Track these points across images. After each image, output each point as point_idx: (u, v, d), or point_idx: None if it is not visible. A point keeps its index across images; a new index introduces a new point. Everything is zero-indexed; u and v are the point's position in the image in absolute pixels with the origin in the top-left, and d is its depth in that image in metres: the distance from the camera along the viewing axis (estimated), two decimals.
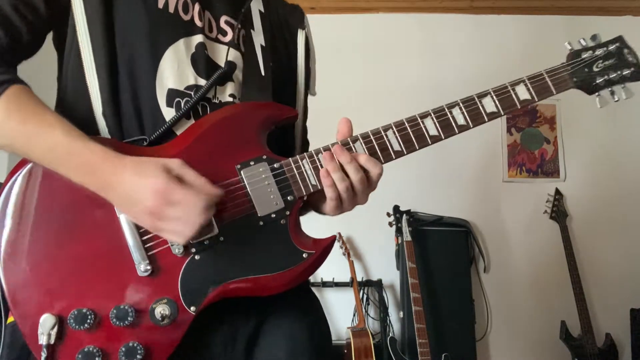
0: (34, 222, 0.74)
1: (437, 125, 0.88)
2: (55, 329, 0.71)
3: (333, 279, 2.87)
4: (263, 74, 0.94)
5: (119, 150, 0.75)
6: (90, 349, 0.72)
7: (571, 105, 3.14)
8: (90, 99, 0.81)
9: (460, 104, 0.89)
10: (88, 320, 0.72)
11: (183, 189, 0.70)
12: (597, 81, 0.93)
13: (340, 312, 2.98)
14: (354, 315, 2.86)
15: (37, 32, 0.82)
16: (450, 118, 0.88)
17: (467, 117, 0.89)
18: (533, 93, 0.90)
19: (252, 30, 0.96)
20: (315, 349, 0.91)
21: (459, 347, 2.72)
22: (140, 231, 0.76)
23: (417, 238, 2.80)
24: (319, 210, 0.92)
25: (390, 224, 2.87)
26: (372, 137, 0.86)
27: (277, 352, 0.86)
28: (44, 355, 0.70)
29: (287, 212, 0.82)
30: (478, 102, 0.89)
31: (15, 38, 0.78)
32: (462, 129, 0.89)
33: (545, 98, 0.92)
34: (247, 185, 0.80)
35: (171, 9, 0.85)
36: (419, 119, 0.88)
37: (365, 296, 2.90)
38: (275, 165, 0.83)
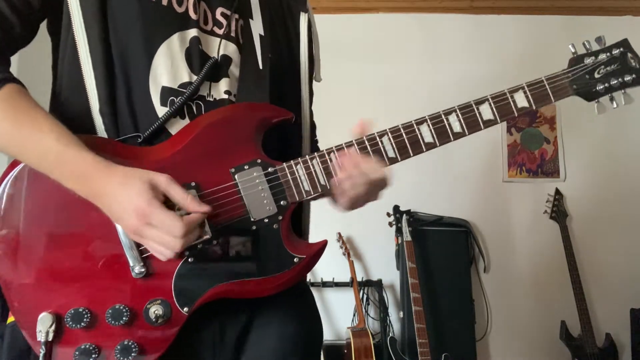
0: (31, 222, 0.75)
1: (433, 132, 0.87)
2: (53, 327, 0.73)
3: (333, 279, 2.87)
4: (261, 67, 0.92)
5: (114, 149, 0.75)
6: (87, 346, 0.74)
7: (571, 105, 3.11)
8: (87, 95, 0.80)
9: (457, 111, 0.88)
10: (84, 319, 0.74)
11: (162, 213, 0.71)
12: (597, 88, 0.92)
13: (340, 312, 2.98)
14: (354, 315, 2.86)
15: (30, 22, 0.81)
16: (447, 125, 0.87)
17: (464, 124, 0.87)
18: (532, 101, 0.89)
19: (250, 20, 0.94)
20: (306, 346, 0.92)
21: (459, 347, 2.72)
22: None
23: (417, 238, 2.80)
24: (335, 203, 0.93)
25: (390, 224, 2.87)
26: (367, 144, 0.86)
27: (266, 349, 0.87)
28: (42, 351, 0.72)
29: (280, 217, 0.82)
30: (475, 109, 0.88)
31: (7, 30, 0.78)
32: (458, 136, 0.88)
33: (543, 105, 0.90)
34: (241, 190, 0.81)
35: (164, 1, 0.83)
36: (414, 125, 0.87)
37: (365, 296, 2.90)
38: (269, 170, 0.83)
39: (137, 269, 0.75)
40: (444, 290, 2.80)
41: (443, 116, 0.88)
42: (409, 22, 3.27)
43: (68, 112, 0.80)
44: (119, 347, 0.75)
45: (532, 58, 3.04)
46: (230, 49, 0.89)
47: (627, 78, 0.91)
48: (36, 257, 0.75)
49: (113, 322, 0.75)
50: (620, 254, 3.05)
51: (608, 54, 0.92)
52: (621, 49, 0.92)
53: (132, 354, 0.75)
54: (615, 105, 0.94)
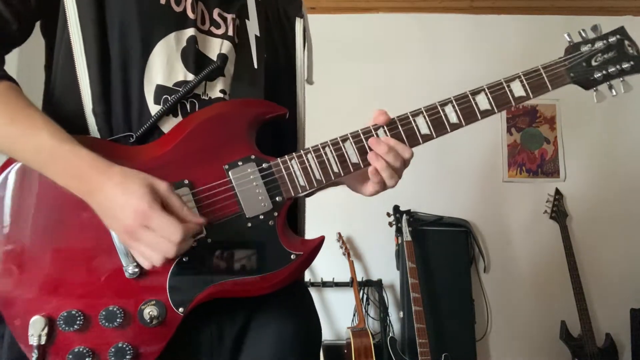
0: (23, 222, 0.74)
1: (429, 123, 0.86)
2: (46, 330, 0.72)
3: (333, 279, 2.87)
4: (256, 66, 0.92)
5: (105, 149, 0.74)
6: (81, 349, 0.73)
7: (571, 105, 3.14)
8: (80, 94, 0.79)
9: (453, 101, 0.86)
10: (77, 322, 0.73)
11: (163, 217, 0.69)
12: (595, 76, 0.90)
13: (340, 312, 2.98)
14: (354, 315, 2.86)
15: (26, 21, 0.80)
16: (443, 116, 0.86)
17: (460, 115, 0.86)
18: (528, 90, 0.88)
19: (247, 21, 0.94)
20: (304, 346, 0.91)
21: (459, 347, 2.72)
22: None
23: (417, 238, 2.80)
24: (357, 191, 0.94)
25: (390, 224, 2.87)
26: (362, 137, 0.85)
27: (264, 351, 0.86)
28: (35, 355, 0.71)
29: (275, 214, 0.81)
30: (471, 99, 0.87)
31: (2, 27, 0.77)
32: (455, 127, 0.87)
33: (541, 95, 0.89)
34: (235, 187, 0.80)
35: (162, 0, 0.83)
36: (410, 117, 0.86)
37: (365, 296, 2.90)
38: (263, 166, 0.81)
39: (130, 269, 0.74)
40: (444, 290, 2.80)
41: (439, 107, 0.87)
42: (409, 22, 3.27)
43: (60, 112, 0.79)
44: (113, 349, 0.73)
45: (532, 58, 3.02)
46: (226, 48, 0.89)
47: (625, 65, 0.90)
48: (27, 259, 0.73)
49: (107, 324, 0.73)
50: (620, 254, 3.05)
51: (605, 41, 0.90)
52: (618, 37, 0.91)
53: (127, 357, 0.73)
54: (614, 93, 0.92)
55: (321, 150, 0.84)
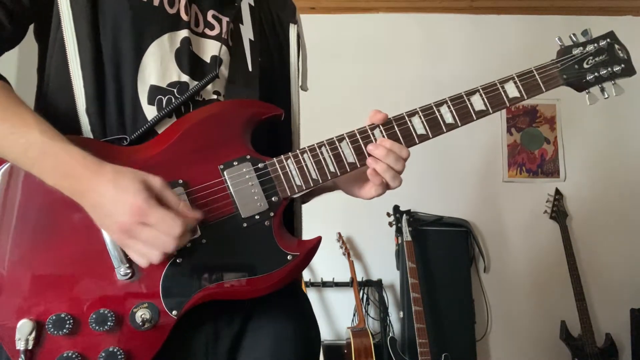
0: (11, 224, 0.72)
1: (425, 124, 0.86)
2: (33, 335, 0.69)
3: (333, 279, 2.87)
4: (250, 69, 0.92)
5: (98, 149, 0.72)
6: (70, 354, 0.70)
7: (571, 105, 3.13)
8: (73, 95, 0.79)
9: (449, 102, 0.87)
10: (67, 325, 0.70)
11: (160, 212, 0.68)
12: (587, 78, 0.92)
13: (340, 312, 2.98)
14: (354, 315, 2.86)
15: (20, 23, 0.80)
16: (439, 117, 0.87)
17: (456, 115, 0.87)
18: (522, 91, 0.89)
19: (240, 25, 0.94)
20: (302, 350, 0.90)
21: (459, 347, 2.72)
22: None
23: (417, 238, 2.80)
24: (354, 194, 0.94)
25: (390, 224, 2.87)
26: (358, 137, 0.85)
27: (260, 354, 0.85)
28: None
29: (271, 214, 0.80)
30: (467, 100, 0.88)
31: None
32: (450, 127, 0.87)
33: (534, 96, 0.90)
34: (230, 187, 0.78)
35: (156, 2, 0.83)
36: (406, 117, 0.87)
37: (365, 296, 2.90)
38: (259, 166, 0.81)
39: (122, 270, 0.72)
40: (444, 290, 2.80)
41: (434, 107, 0.87)
42: (409, 22, 3.27)
43: (53, 113, 0.78)
44: (103, 354, 0.71)
45: (532, 58, 3.02)
46: (221, 50, 0.89)
47: (616, 68, 0.92)
48: (15, 261, 0.71)
49: (97, 327, 0.71)
50: (620, 254, 3.05)
51: (595, 45, 0.93)
52: (608, 40, 0.93)
53: None
54: (606, 96, 0.94)
55: (317, 150, 0.84)
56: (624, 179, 3.12)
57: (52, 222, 0.73)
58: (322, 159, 0.84)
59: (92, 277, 0.73)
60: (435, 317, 2.72)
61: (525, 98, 0.90)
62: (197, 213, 0.73)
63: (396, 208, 2.86)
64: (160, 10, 0.83)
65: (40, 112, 0.77)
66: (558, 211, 3.00)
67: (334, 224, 3.00)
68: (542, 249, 3.07)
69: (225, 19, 0.91)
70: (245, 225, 0.79)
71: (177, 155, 0.77)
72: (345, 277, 2.86)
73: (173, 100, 0.82)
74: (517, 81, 0.89)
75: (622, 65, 0.92)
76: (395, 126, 0.86)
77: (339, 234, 2.99)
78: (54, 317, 0.70)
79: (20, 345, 0.69)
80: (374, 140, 0.85)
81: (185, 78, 0.83)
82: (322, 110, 2.79)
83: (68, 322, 0.70)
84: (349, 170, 0.85)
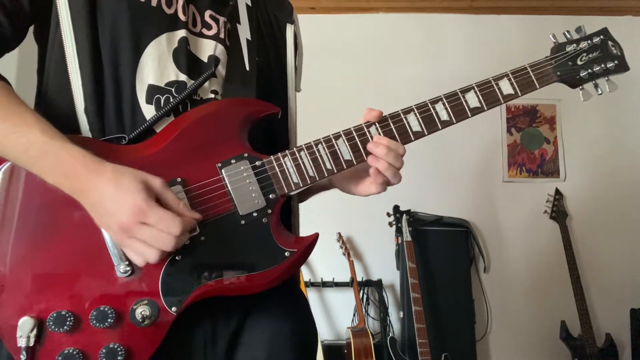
0: (11, 222, 0.73)
1: (420, 121, 0.87)
2: (35, 332, 0.70)
3: (333, 279, 2.88)
4: (247, 68, 0.93)
5: (97, 149, 0.73)
6: (70, 351, 0.71)
7: (571, 105, 3.14)
8: (72, 95, 0.80)
9: (444, 99, 0.88)
10: (67, 322, 0.71)
11: (160, 212, 0.69)
12: (581, 74, 0.93)
13: (340, 312, 2.98)
14: (354, 315, 2.86)
15: (19, 25, 0.80)
16: (434, 114, 0.88)
17: (451, 112, 0.88)
18: (517, 88, 0.90)
19: (238, 25, 0.95)
20: (299, 348, 0.90)
21: (459, 347, 2.72)
22: None
23: (417, 238, 2.81)
24: (352, 192, 0.95)
25: (390, 224, 2.87)
26: (354, 134, 0.86)
27: (257, 351, 0.85)
28: (23, 357, 0.69)
29: (269, 211, 0.81)
30: (461, 97, 0.89)
31: None
32: (445, 124, 0.88)
33: (529, 92, 0.91)
34: (228, 184, 0.79)
35: (154, 2, 0.84)
36: (402, 114, 0.87)
37: (365, 296, 2.90)
38: (257, 163, 0.81)
39: (122, 267, 0.73)
40: (444, 290, 2.80)
41: (430, 105, 0.88)
42: (409, 22, 3.27)
43: (53, 113, 0.79)
44: (104, 350, 0.72)
45: (532, 58, 3.03)
46: (218, 50, 0.90)
47: (610, 64, 0.93)
48: (15, 259, 0.72)
49: (98, 324, 0.72)
50: (620, 254, 3.05)
51: (589, 41, 0.93)
52: (601, 37, 0.94)
53: (118, 358, 0.72)
54: (599, 92, 0.95)
55: (314, 147, 0.85)
56: (624, 178, 3.12)
57: (52, 221, 0.74)
58: (318, 157, 0.85)
59: (92, 275, 0.74)
60: (435, 317, 2.72)
61: (520, 95, 0.90)
62: (197, 214, 0.74)
63: (396, 208, 2.86)
64: (158, 10, 0.84)
65: (40, 112, 0.78)
66: (558, 211, 3.00)
67: (334, 224, 3.00)
68: (542, 249, 3.07)
69: (222, 19, 0.91)
70: (243, 222, 0.80)
71: (175, 154, 0.78)
72: (345, 277, 2.86)
73: (171, 99, 0.83)
74: (512, 78, 0.90)
75: (616, 62, 0.93)
76: (391, 123, 0.87)
77: (339, 234, 2.99)
78: (54, 315, 0.71)
79: (21, 343, 0.69)
80: (370, 138, 0.86)
81: (183, 77, 0.84)
82: (322, 110, 2.79)
83: (69, 319, 0.71)
84: (345, 167, 0.86)
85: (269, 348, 0.86)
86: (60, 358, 0.71)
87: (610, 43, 0.94)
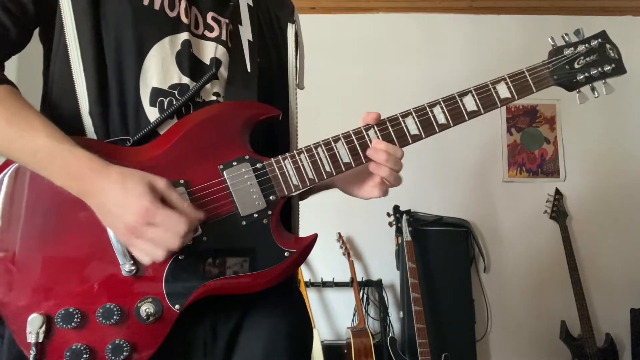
0: (20, 222, 0.75)
1: (418, 124, 0.88)
2: (44, 328, 0.73)
3: (333, 279, 2.88)
4: (249, 70, 0.94)
5: (102, 150, 0.75)
6: (78, 346, 0.74)
7: (571, 105, 3.14)
8: (77, 97, 0.81)
9: (442, 103, 0.89)
10: (75, 319, 0.74)
11: (166, 211, 0.71)
12: (578, 78, 0.93)
13: (340, 312, 2.98)
14: (354, 315, 2.86)
15: (24, 28, 0.81)
16: (432, 117, 0.89)
17: (448, 116, 0.89)
18: (514, 92, 0.91)
19: (239, 26, 0.96)
20: (293, 348, 0.92)
21: (459, 347, 2.72)
22: None
23: (417, 238, 2.81)
24: (353, 194, 0.96)
25: (390, 224, 2.87)
26: (353, 137, 0.87)
27: (255, 350, 0.87)
28: (32, 353, 0.72)
29: (269, 212, 0.83)
30: (459, 100, 0.89)
31: (2, 35, 0.78)
32: (443, 127, 0.89)
33: (525, 97, 0.92)
34: (229, 186, 0.81)
35: (157, 6, 0.85)
36: (400, 118, 0.89)
37: (365, 296, 2.90)
38: (257, 166, 0.83)
39: (127, 267, 0.75)
40: (444, 290, 2.80)
41: (427, 108, 0.89)
42: (409, 22, 3.27)
43: (57, 115, 0.80)
44: (110, 346, 0.75)
45: (532, 58, 3.03)
46: (220, 52, 0.91)
47: (607, 68, 0.93)
48: (24, 258, 0.75)
49: (104, 321, 0.74)
50: (620, 254, 3.06)
51: (587, 45, 0.94)
52: (599, 40, 0.94)
53: (124, 353, 0.75)
54: (596, 95, 0.95)
55: (314, 150, 0.86)
56: (624, 178, 3.12)
57: (59, 221, 0.76)
58: (318, 159, 0.86)
59: (99, 273, 0.76)
60: (435, 317, 2.72)
61: (517, 98, 0.91)
62: (201, 213, 0.75)
63: (396, 208, 2.87)
64: (161, 13, 0.85)
65: (45, 113, 0.80)
66: (558, 211, 3.01)
67: (334, 224, 3.00)
68: (542, 249, 3.07)
69: (224, 21, 0.92)
70: (244, 223, 0.82)
71: (179, 156, 0.80)
72: (345, 277, 2.86)
73: (174, 102, 0.84)
74: (509, 82, 0.91)
75: (613, 65, 0.94)
76: (390, 127, 0.88)
77: (339, 234, 2.99)
78: (62, 312, 0.74)
79: (31, 338, 0.72)
80: (368, 140, 0.87)
81: (185, 80, 0.85)
82: (322, 110, 2.79)
83: (76, 316, 0.74)
84: (344, 170, 0.87)
85: (265, 347, 0.88)
86: (68, 353, 0.74)
87: (608, 46, 0.94)
